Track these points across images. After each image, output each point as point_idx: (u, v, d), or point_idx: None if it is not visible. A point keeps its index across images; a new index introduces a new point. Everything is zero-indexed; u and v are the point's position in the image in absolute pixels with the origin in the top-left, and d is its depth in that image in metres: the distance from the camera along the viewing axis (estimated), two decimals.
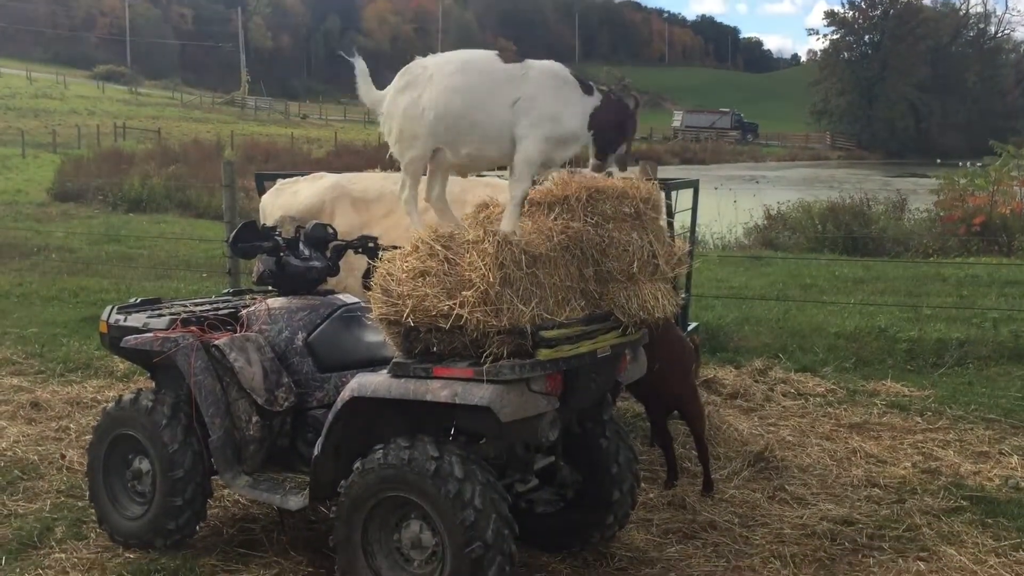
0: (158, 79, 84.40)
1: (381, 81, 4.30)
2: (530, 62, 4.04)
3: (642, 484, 5.03)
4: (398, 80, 4.08)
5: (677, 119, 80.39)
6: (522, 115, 3.91)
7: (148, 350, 4.70)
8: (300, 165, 27.67)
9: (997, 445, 6.42)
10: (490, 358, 3.77)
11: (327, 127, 57.05)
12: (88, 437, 5.21)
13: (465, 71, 3.97)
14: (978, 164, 19.01)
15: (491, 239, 3.76)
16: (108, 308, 5.15)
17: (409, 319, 3.81)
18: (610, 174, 4.23)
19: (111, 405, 4.92)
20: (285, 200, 6.47)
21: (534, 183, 4.28)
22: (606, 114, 4.01)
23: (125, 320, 4.95)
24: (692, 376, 5.77)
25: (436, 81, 3.96)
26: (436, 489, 3.76)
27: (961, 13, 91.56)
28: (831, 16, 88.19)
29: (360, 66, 4.21)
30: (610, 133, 4.04)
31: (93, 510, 4.98)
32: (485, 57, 4.06)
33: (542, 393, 3.89)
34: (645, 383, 5.10)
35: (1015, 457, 6.17)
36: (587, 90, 4.03)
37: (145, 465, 4.70)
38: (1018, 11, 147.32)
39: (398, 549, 3.98)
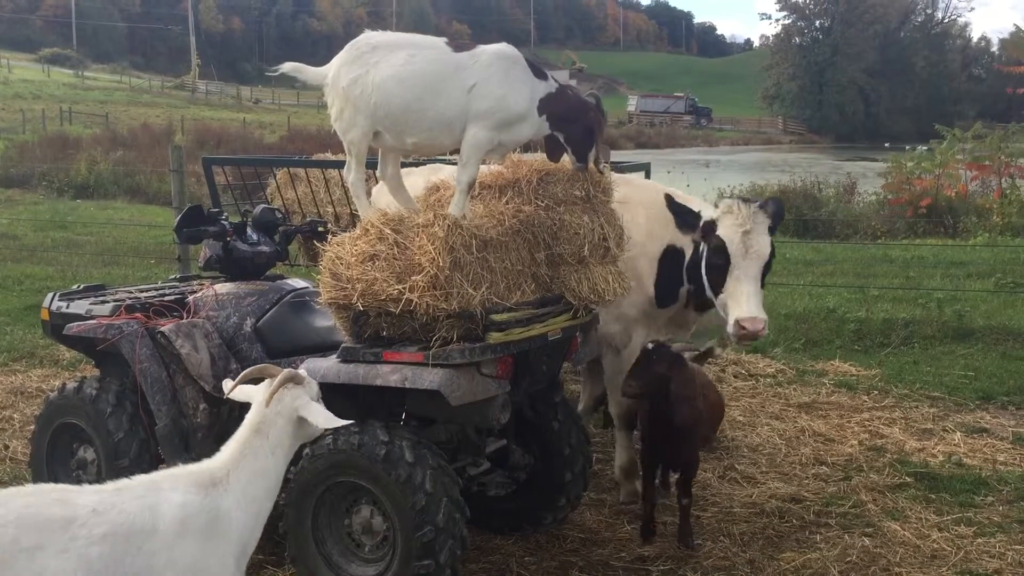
0: (105, 63, 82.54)
1: None
2: (481, 47, 4.01)
3: (594, 465, 5.05)
4: (345, 52, 4.00)
5: (632, 104, 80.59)
6: (479, 97, 3.89)
7: (92, 337, 4.61)
8: (252, 150, 27.29)
9: (941, 422, 6.57)
10: (440, 342, 3.77)
11: (280, 112, 56.29)
12: (32, 427, 5.10)
13: (413, 60, 3.90)
14: (924, 148, 19.34)
15: (441, 223, 3.74)
16: (50, 295, 5.04)
17: (358, 303, 3.78)
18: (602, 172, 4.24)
19: (54, 394, 4.83)
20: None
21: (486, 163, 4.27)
22: (559, 104, 4.00)
23: (67, 307, 4.85)
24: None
25: (382, 67, 3.89)
26: (386, 474, 3.75)
27: None
28: (783, 1, 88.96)
29: (288, 66, 4.17)
30: (574, 129, 4.03)
31: None
32: (434, 46, 4.00)
33: (492, 376, 3.89)
34: (669, 435, 4.63)
35: (958, 434, 6.31)
36: (539, 75, 4.02)
37: (90, 454, 4.62)
38: None
39: (349, 534, 3.97)
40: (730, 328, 4.55)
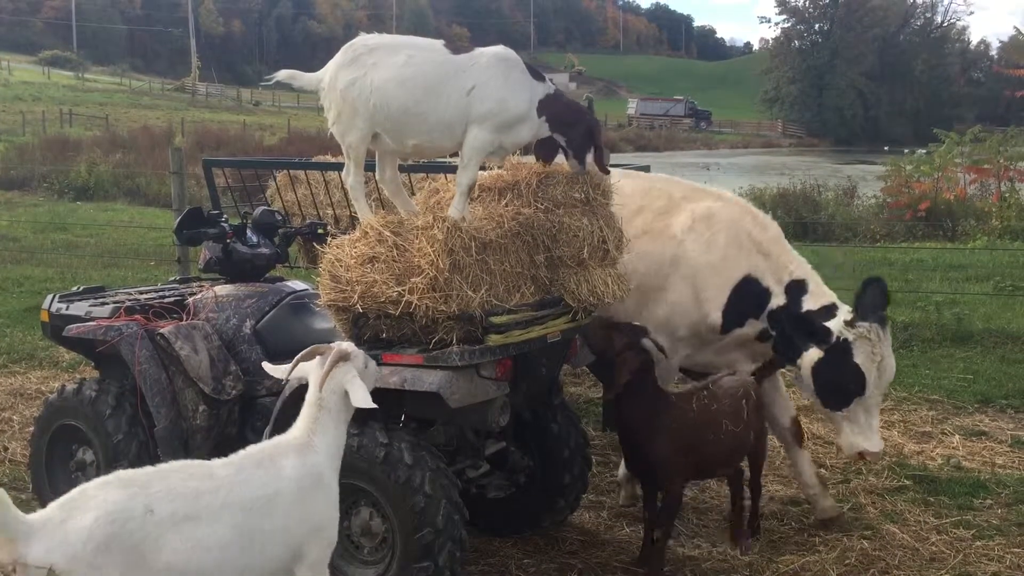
0: (106, 65, 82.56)
1: None
2: (479, 50, 4.02)
3: (593, 468, 5.05)
4: (341, 55, 3.99)
5: (631, 107, 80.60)
6: (478, 100, 3.90)
7: (91, 339, 4.61)
8: (252, 152, 27.31)
9: (939, 425, 6.57)
10: (439, 344, 3.77)
11: (280, 114, 56.26)
12: (31, 429, 5.10)
13: (412, 63, 3.90)
14: (922, 151, 19.35)
15: (441, 225, 3.75)
16: (49, 297, 5.04)
17: (358, 305, 3.79)
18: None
19: (54, 395, 4.83)
20: None
21: (485, 167, 4.28)
22: (558, 106, 4.02)
23: (67, 308, 4.85)
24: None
25: (381, 69, 3.88)
26: (386, 476, 3.75)
27: (909, 2, 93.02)
28: (783, 4, 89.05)
29: (282, 74, 4.16)
30: (573, 131, 4.04)
31: (36, 503, 4.89)
32: (432, 48, 4.01)
33: (492, 379, 3.89)
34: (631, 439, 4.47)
35: (956, 437, 6.32)
36: (538, 77, 4.03)
37: (89, 456, 4.63)
38: (964, 0, 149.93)
39: (348, 536, 3.96)
40: (846, 450, 4.68)
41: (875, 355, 4.39)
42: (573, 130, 4.04)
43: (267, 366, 3.59)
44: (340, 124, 4.00)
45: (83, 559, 2.65)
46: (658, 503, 4.48)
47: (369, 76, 3.88)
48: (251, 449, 3.18)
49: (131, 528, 2.72)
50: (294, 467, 3.11)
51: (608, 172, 4.23)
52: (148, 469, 2.95)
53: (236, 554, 2.89)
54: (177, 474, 2.93)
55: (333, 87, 3.96)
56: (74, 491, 2.82)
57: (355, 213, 4.33)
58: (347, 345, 3.42)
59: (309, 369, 3.36)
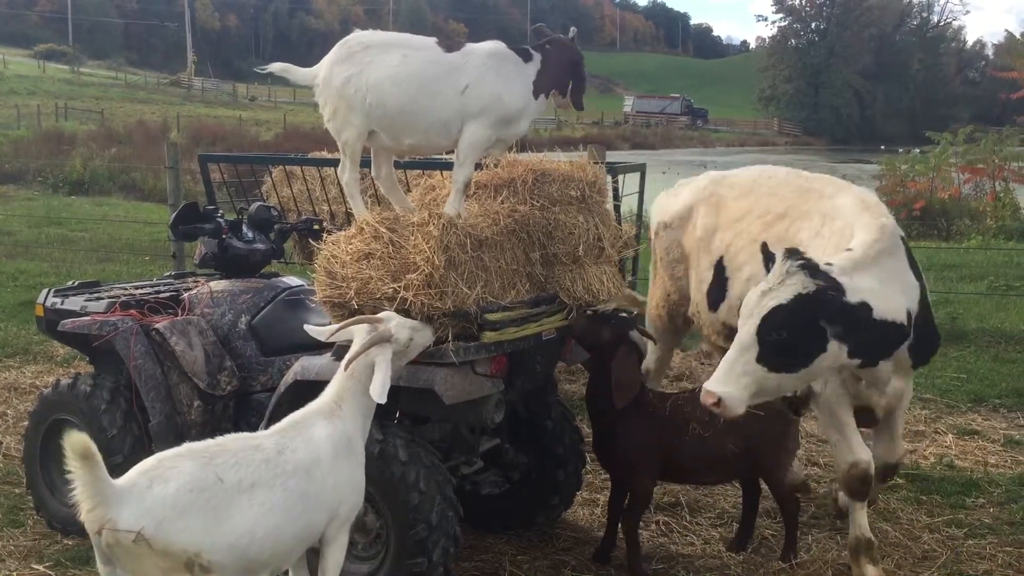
0: (101, 59, 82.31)
1: None
2: (470, 46, 4.02)
3: (587, 465, 5.06)
4: (336, 51, 3.97)
5: (628, 104, 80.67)
6: (474, 98, 3.91)
7: (86, 333, 4.61)
8: (248, 147, 27.29)
9: (933, 424, 6.59)
10: (435, 341, 3.77)
11: (276, 109, 56.20)
12: (25, 423, 5.10)
13: (407, 62, 3.89)
14: (917, 151, 19.40)
15: (436, 222, 3.76)
16: (45, 291, 5.04)
17: (353, 301, 3.79)
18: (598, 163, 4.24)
19: (48, 390, 4.83)
20: (664, 203, 5.42)
21: (481, 166, 4.28)
22: (550, 73, 4.05)
23: (62, 303, 4.86)
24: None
25: (376, 67, 3.87)
26: (380, 472, 3.76)
27: (905, 2, 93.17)
28: (779, 3, 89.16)
29: (276, 66, 4.11)
30: (570, 84, 4.10)
31: (30, 497, 4.90)
32: (426, 46, 4.00)
33: (487, 375, 3.90)
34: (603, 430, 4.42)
35: (950, 436, 6.34)
36: (527, 57, 4.04)
37: None
38: (960, 0, 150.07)
39: None
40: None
41: None
42: (568, 83, 4.11)
43: (309, 328, 3.73)
44: (336, 121, 3.99)
45: (169, 524, 2.87)
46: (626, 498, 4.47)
47: (365, 74, 3.87)
48: (287, 419, 3.38)
49: (207, 496, 2.96)
50: (326, 433, 3.32)
51: (581, 107, 4.22)
52: (208, 442, 3.16)
53: (294, 516, 3.13)
54: (234, 445, 3.15)
55: (329, 84, 3.95)
56: (151, 460, 3.04)
57: (351, 209, 4.33)
58: (394, 325, 3.52)
59: (354, 331, 3.51)
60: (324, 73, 3.97)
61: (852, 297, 3.70)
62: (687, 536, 4.86)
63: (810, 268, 3.67)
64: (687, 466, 4.44)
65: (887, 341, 3.90)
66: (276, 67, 4.10)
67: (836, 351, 3.72)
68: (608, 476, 5.33)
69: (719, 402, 3.65)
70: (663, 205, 5.38)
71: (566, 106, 4.24)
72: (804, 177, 4.85)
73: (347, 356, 3.47)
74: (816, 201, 4.55)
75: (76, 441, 2.81)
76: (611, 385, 4.25)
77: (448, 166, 4.23)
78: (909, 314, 3.92)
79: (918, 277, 4.13)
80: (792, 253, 3.75)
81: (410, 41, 4.02)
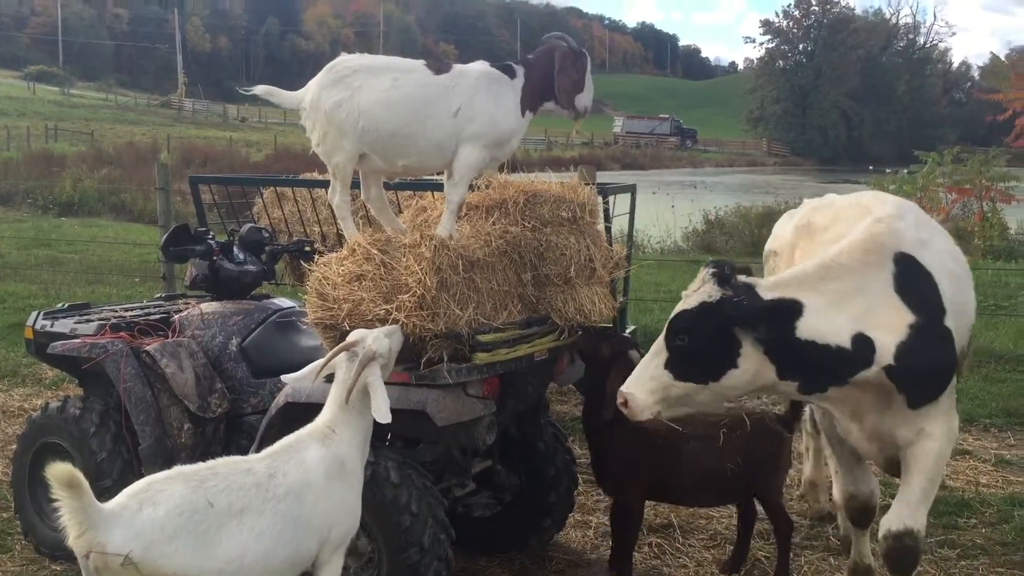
0: (92, 80, 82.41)
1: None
2: (458, 68, 4.03)
3: (580, 487, 5.04)
4: (324, 76, 3.92)
5: (617, 125, 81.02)
6: (466, 121, 3.91)
7: (76, 356, 4.59)
8: (238, 168, 27.27)
9: None
10: (427, 363, 3.77)
11: (266, 130, 56.22)
12: (14, 447, 5.06)
13: (398, 85, 3.87)
14: (905, 171, 19.55)
15: (428, 243, 3.76)
16: (34, 313, 5.02)
17: (345, 323, 3.78)
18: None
19: (37, 413, 4.81)
20: (776, 230, 5.02)
21: (473, 187, 4.29)
22: (534, 87, 4.04)
23: (52, 326, 4.83)
24: None
25: (367, 91, 3.84)
26: (372, 494, 3.73)
27: (891, 24, 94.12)
28: (766, 25, 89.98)
29: (260, 89, 4.03)
30: (557, 89, 4.07)
31: (18, 522, 4.85)
32: (415, 68, 3.98)
33: (479, 397, 3.89)
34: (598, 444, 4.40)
35: None
36: (512, 74, 4.04)
37: None
38: (945, 22, 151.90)
39: None
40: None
41: None
42: (554, 91, 4.08)
43: (287, 377, 3.65)
44: (325, 145, 3.94)
45: (158, 547, 2.86)
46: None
47: (356, 98, 3.83)
48: (280, 442, 3.36)
49: (196, 519, 2.93)
50: (319, 456, 3.29)
51: (573, 107, 4.17)
52: (199, 465, 3.14)
53: (284, 541, 3.11)
54: (225, 469, 3.13)
55: (317, 108, 3.90)
56: (141, 482, 3.02)
57: (342, 231, 4.33)
58: (371, 342, 3.45)
59: (337, 363, 3.48)
60: (311, 97, 3.92)
61: (770, 313, 3.50)
62: (680, 558, 4.84)
63: (721, 278, 3.56)
64: (681, 485, 4.43)
65: (823, 365, 3.56)
66: (260, 89, 4.03)
67: (756, 368, 3.53)
68: (602, 497, 5.33)
69: (627, 403, 3.60)
70: (774, 232, 5.03)
71: (574, 117, 4.18)
72: (871, 195, 4.57)
73: (341, 389, 3.42)
74: (863, 218, 4.18)
75: (59, 471, 2.78)
76: (605, 401, 4.20)
77: (439, 187, 4.22)
78: (865, 339, 3.52)
79: (922, 305, 3.61)
80: (714, 263, 3.67)
81: (399, 64, 4.01)
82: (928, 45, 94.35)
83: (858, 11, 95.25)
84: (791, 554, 4.62)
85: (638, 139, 75.32)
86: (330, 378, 3.88)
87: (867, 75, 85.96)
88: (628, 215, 7.15)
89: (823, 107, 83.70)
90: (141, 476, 4.49)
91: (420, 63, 4.02)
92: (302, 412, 3.97)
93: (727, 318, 3.49)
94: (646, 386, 3.58)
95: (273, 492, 3.13)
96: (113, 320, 4.75)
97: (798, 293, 3.56)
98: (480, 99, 3.92)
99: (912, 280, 3.64)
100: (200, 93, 77.31)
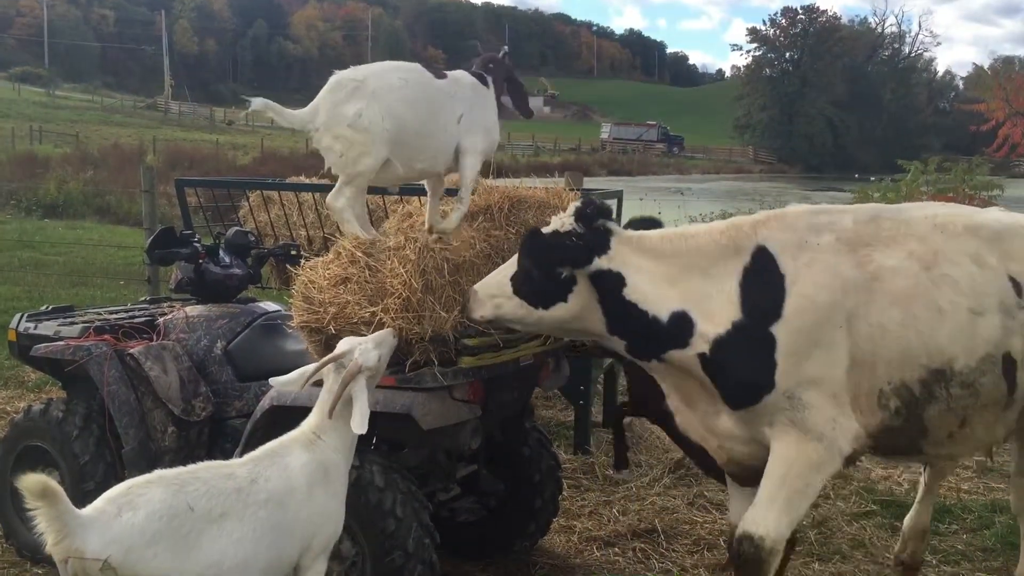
0: (77, 82, 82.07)
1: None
2: (452, 75, 4.06)
3: (564, 492, 5.05)
4: (335, 92, 3.78)
5: (605, 131, 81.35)
6: (466, 130, 3.96)
7: (59, 359, 4.56)
8: (224, 171, 27.17)
9: None
10: (412, 366, 3.77)
11: (253, 133, 56.03)
12: None
13: (409, 84, 3.86)
14: (888, 179, 19.70)
15: (412, 246, 3.76)
16: (18, 316, 4.99)
17: (331, 326, 3.78)
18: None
19: (19, 416, 4.78)
20: None
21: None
22: (498, 88, 4.15)
23: (35, 328, 4.81)
24: None
25: (383, 93, 3.79)
26: (356, 498, 3.72)
27: (877, 33, 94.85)
28: (753, 33, 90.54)
29: (259, 103, 3.79)
30: (502, 91, 4.19)
31: None
32: (414, 68, 4.00)
33: (464, 401, 3.90)
34: None
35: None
36: (486, 84, 4.12)
37: (55, 478, 4.53)
38: (931, 32, 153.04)
39: None
40: None
41: None
42: (502, 88, 4.21)
43: (276, 380, 3.58)
44: (349, 156, 3.78)
45: (137, 552, 2.84)
46: None
47: (374, 103, 3.76)
48: (263, 448, 3.36)
49: (176, 524, 2.92)
50: (302, 462, 3.29)
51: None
52: (181, 469, 3.12)
53: (264, 547, 3.10)
54: (206, 474, 3.11)
55: (335, 124, 3.76)
56: (120, 487, 2.99)
57: (328, 235, 4.32)
58: (359, 354, 3.42)
59: (326, 371, 3.47)
60: (326, 116, 3.77)
61: (607, 262, 3.51)
62: (664, 563, 4.85)
63: (581, 214, 3.57)
64: None
65: (640, 330, 3.54)
66: (259, 103, 3.79)
67: (584, 310, 3.55)
68: (586, 502, 5.35)
69: (470, 298, 3.66)
70: None
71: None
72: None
73: (326, 401, 3.40)
74: None
75: (31, 483, 2.75)
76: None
77: (425, 193, 4.22)
78: (686, 319, 3.48)
79: (755, 306, 3.47)
80: (586, 199, 3.71)
81: (399, 65, 4.00)
82: (913, 55, 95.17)
83: (844, 20, 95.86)
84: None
85: (625, 145, 75.60)
86: (319, 382, 3.89)
87: (853, 83, 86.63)
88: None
89: (809, 115, 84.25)
90: (124, 479, 4.49)
91: (417, 65, 4.04)
92: (287, 416, 3.96)
93: (565, 252, 3.51)
94: (490, 289, 3.65)
95: (255, 498, 3.12)
96: (97, 323, 4.72)
97: (642, 255, 3.56)
98: (477, 110, 3.99)
99: (759, 278, 3.51)
100: (187, 95, 77.04)
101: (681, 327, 3.49)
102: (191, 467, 3.15)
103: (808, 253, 3.51)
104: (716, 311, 3.49)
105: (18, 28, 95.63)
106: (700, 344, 3.47)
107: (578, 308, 3.56)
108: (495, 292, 3.62)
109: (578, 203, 3.65)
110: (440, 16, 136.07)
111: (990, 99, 19.92)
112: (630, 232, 3.68)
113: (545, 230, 3.59)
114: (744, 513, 3.59)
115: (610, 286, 3.52)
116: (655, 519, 5.30)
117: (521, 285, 3.57)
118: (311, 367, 3.50)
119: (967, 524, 5.37)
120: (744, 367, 3.45)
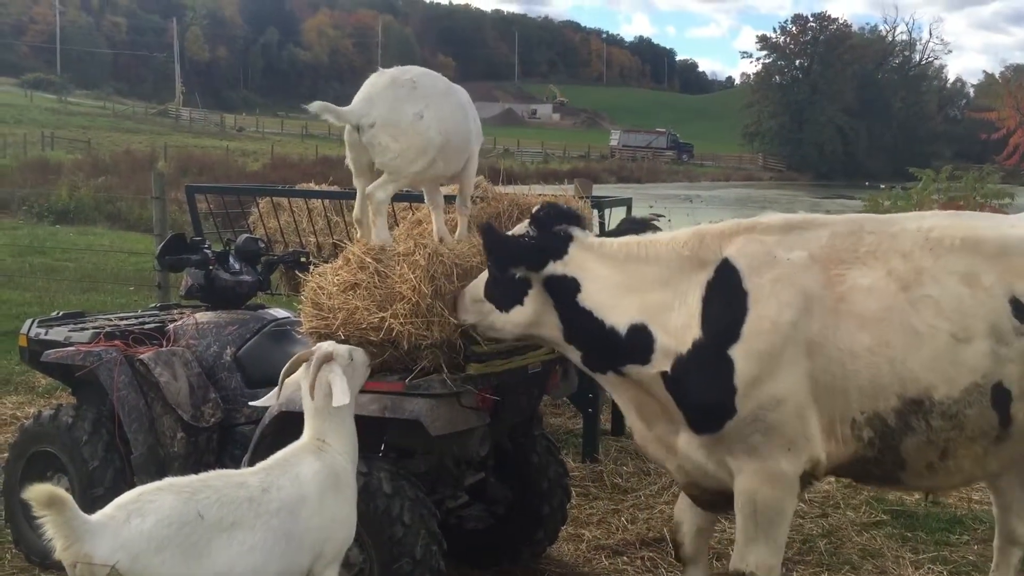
0: (89, 88, 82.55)
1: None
2: (455, 86, 4.14)
3: (572, 500, 5.04)
4: (394, 89, 3.79)
5: (614, 138, 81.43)
6: (472, 138, 4.09)
7: (70, 364, 4.58)
8: (235, 178, 27.27)
9: None
10: (421, 372, 3.77)
11: (264, 140, 56.30)
12: (5, 455, 5.04)
13: (449, 92, 3.99)
14: (899, 187, 19.65)
15: (422, 251, 3.77)
16: (28, 321, 5.01)
17: (340, 332, 3.78)
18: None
19: (29, 421, 4.79)
20: None
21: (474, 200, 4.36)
22: None
23: (46, 333, 4.83)
24: None
25: (436, 99, 3.85)
26: (364, 505, 3.72)
27: (887, 41, 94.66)
28: (763, 40, 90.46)
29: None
30: None
31: (9, 531, 4.83)
32: (442, 78, 4.09)
33: (473, 408, 3.90)
34: None
35: None
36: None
37: (64, 483, 4.56)
38: (941, 39, 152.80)
39: None
40: None
41: None
42: None
43: (254, 403, 3.71)
44: (405, 157, 3.78)
45: (145, 559, 2.85)
46: None
47: (432, 107, 3.81)
48: (275, 456, 3.38)
49: (186, 532, 2.92)
50: (314, 470, 3.30)
51: None
52: (192, 477, 3.13)
53: (276, 557, 3.11)
54: (217, 482, 3.12)
55: (396, 121, 3.76)
56: (130, 493, 3.01)
57: (337, 240, 4.33)
58: (327, 344, 3.53)
59: (300, 378, 3.50)
60: (386, 112, 3.76)
61: (561, 267, 3.50)
62: (672, 572, 4.83)
63: (538, 220, 3.57)
64: None
65: (595, 340, 3.48)
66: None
67: (540, 315, 3.55)
68: (594, 510, 5.34)
69: (462, 297, 3.74)
70: None
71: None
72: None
73: (305, 391, 3.46)
74: None
75: (38, 493, 2.78)
76: None
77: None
78: (645, 333, 3.38)
79: (715, 324, 3.33)
80: (546, 205, 3.71)
81: (436, 76, 4.07)
82: (923, 62, 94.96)
83: (854, 28, 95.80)
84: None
85: (634, 152, 75.60)
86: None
87: (863, 91, 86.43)
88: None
89: (819, 122, 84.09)
90: (133, 485, 4.50)
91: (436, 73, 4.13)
92: (295, 422, 3.96)
93: (517, 251, 3.55)
94: (472, 293, 3.71)
95: (266, 507, 3.12)
96: (107, 328, 4.74)
97: (601, 262, 3.51)
98: (477, 120, 4.12)
99: (721, 295, 3.35)
100: (198, 102, 77.43)
101: (640, 340, 3.40)
102: (203, 475, 3.17)
103: (775, 269, 3.32)
104: (678, 327, 3.36)
105: (31, 35, 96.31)
106: (662, 362, 3.37)
107: (533, 313, 3.60)
108: (475, 297, 3.70)
109: (537, 207, 3.71)
110: (450, 24, 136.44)
111: (1001, 107, 19.84)
112: (594, 239, 3.64)
113: (511, 232, 3.67)
114: (687, 509, 3.80)
115: (564, 291, 3.52)
116: (664, 528, 5.28)
117: (489, 289, 3.65)
118: (281, 376, 3.56)
119: (978, 535, 5.33)
120: (705, 390, 3.31)
